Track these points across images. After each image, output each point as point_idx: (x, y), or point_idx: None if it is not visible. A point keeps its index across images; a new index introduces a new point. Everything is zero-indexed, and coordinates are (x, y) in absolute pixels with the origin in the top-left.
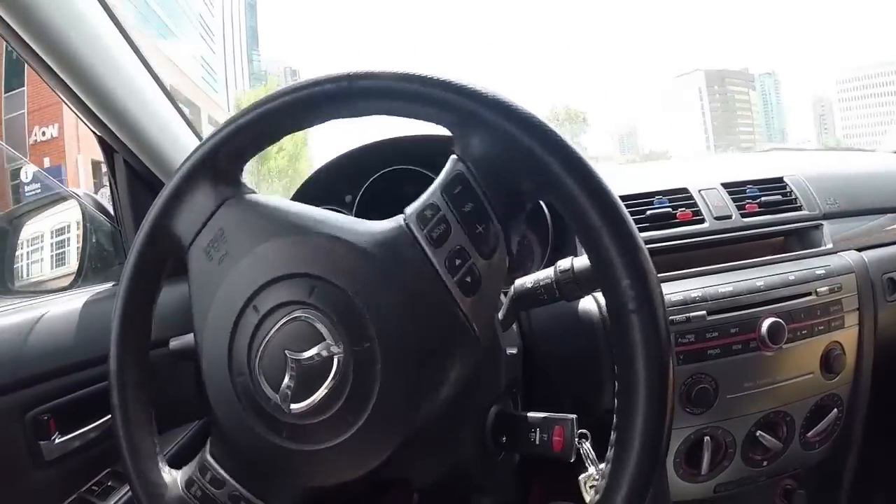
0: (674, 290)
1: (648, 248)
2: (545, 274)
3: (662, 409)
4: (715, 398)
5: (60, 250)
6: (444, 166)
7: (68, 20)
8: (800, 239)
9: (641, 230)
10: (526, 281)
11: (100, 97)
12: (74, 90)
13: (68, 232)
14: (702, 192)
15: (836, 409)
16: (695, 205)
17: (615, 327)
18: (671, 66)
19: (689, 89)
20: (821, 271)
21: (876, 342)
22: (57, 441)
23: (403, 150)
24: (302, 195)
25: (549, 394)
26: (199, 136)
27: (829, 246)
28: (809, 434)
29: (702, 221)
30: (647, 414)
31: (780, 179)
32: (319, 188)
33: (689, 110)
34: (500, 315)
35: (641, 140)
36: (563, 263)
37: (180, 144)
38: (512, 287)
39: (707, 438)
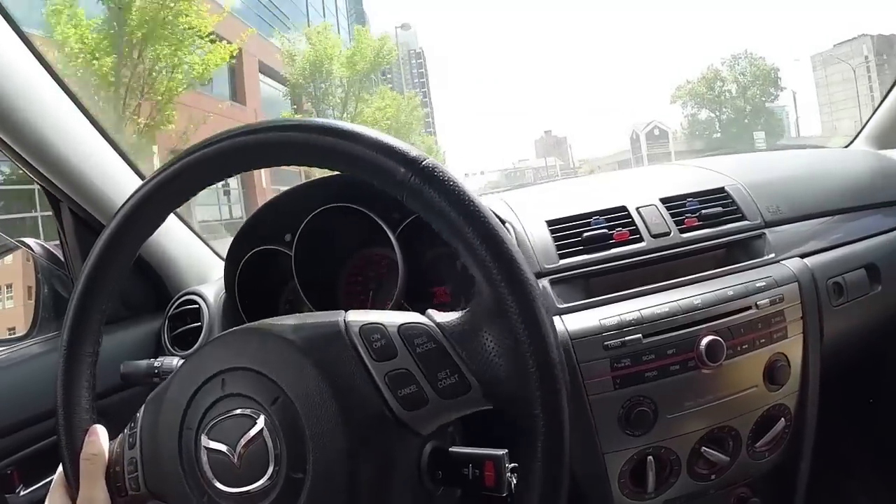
0: (609, 315)
1: (586, 272)
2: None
3: (555, 382)
4: (655, 419)
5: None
6: (382, 204)
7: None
8: (742, 250)
9: (578, 254)
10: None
11: (35, 149)
12: (9, 144)
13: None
14: (640, 209)
15: (783, 419)
16: (632, 223)
17: (516, 365)
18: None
19: (851, 59)
20: (761, 283)
21: (823, 349)
22: (22, 493)
23: (343, 187)
24: (243, 236)
25: (485, 426)
26: (142, 176)
27: (772, 255)
28: (758, 445)
29: (640, 240)
30: (542, 390)
31: (722, 189)
32: (260, 228)
33: (851, 84)
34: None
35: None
36: None
37: (122, 188)
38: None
39: (650, 458)
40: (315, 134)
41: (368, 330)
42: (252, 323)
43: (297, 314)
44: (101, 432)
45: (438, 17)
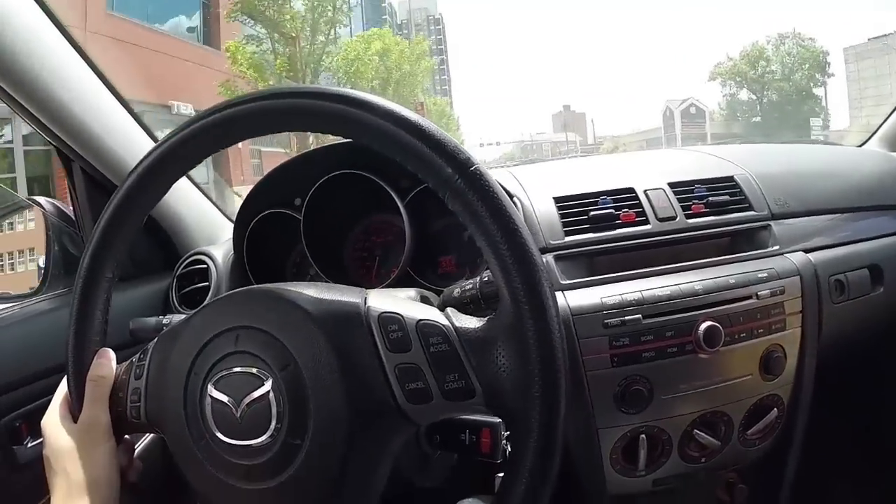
0: (611, 294)
1: (590, 250)
2: (471, 283)
3: (555, 412)
4: (650, 399)
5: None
6: (392, 172)
7: (14, 35)
8: (747, 240)
9: (583, 231)
10: (454, 290)
11: (50, 110)
12: (24, 104)
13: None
14: (647, 192)
15: (775, 409)
16: (639, 205)
17: (522, 386)
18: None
19: (886, 55)
20: (763, 274)
21: (820, 343)
22: (30, 445)
23: (354, 154)
24: (253, 199)
25: None
26: (154, 138)
27: (776, 247)
28: (749, 432)
29: (645, 223)
30: (541, 415)
31: (731, 178)
32: (270, 192)
33: (885, 80)
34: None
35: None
36: (488, 274)
37: (135, 149)
38: (441, 296)
39: (643, 436)
40: (371, 114)
41: (387, 319)
42: (272, 285)
43: (319, 284)
44: (110, 355)
45: None
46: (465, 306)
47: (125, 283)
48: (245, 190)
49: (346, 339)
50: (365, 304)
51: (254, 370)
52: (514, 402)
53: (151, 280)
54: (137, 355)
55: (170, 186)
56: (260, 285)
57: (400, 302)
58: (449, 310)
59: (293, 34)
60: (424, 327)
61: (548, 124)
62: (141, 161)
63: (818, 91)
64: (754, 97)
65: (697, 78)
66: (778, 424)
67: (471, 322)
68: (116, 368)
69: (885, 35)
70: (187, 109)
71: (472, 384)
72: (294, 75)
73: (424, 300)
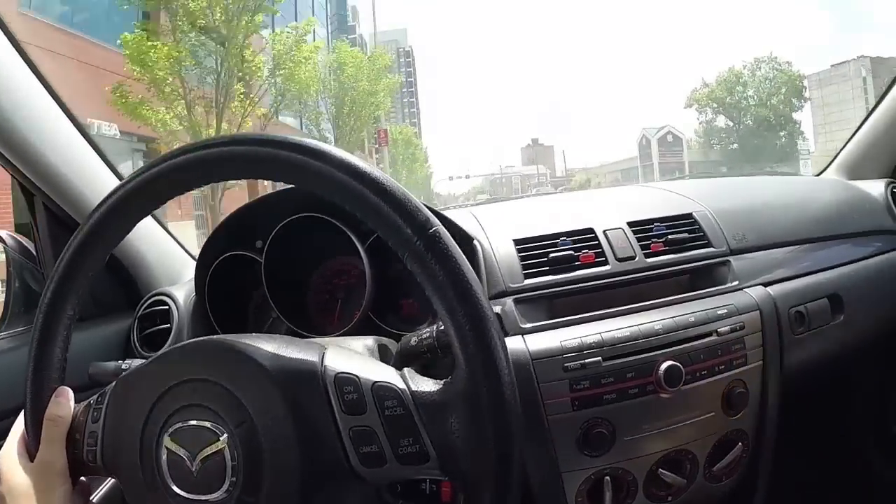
0: (571, 336)
1: (550, 292)
2: (428, 332)
3: (510, 479)
4: (613, 441)
5: None
6: (354, 216)
7: None
8: (706, 276)
9: (543, 274)
10: (411, 339)
11: (12, 143)
12: None
13: None
14: (607, 232)
15: (740, 444)
16: (599, 246)
17: (477, 456)
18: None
19: (849, 80)
20: (722, 311)
21: (783, 375)
22: None
23: (316, 197)
24: (214, 239)
25: None
26: (118, 175)
27: (735, 283)
28: (715, 469)
29: (604, 263)
30: (496, 482)
31: (689, 215)
32: (231, 233)
33: (848, 104)
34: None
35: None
36: None
37: (98, 186)
38: (399, 344)
39: (607, 478)
40: (331, 167)
41: (343, 380)
42: (232, 337)
43: (277, 337)
44: (68, 395)
45: (430, 17)
46: (421, 355)
47: (86, 322)
48: (182, 226)
49: (302, 399)
50: (322, 362)
51: (209, 424)
52: (468, 469)
53: (113, 319)
54: (95, 397)
55: (132, 226)
56: (219, 336)
57: (357, 360)
58: (406, 370)
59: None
60: (380, 390)
61: (517, 157)
62: (104, 199)
63: (797, 115)
64: (731, 123)
65: (673, 105)
66: (744, 459)
67: (426, 385)
68: (74, 408)
69: (847, 61)
70: (111, 130)
71: (427, 449)
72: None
73: (382, 349)
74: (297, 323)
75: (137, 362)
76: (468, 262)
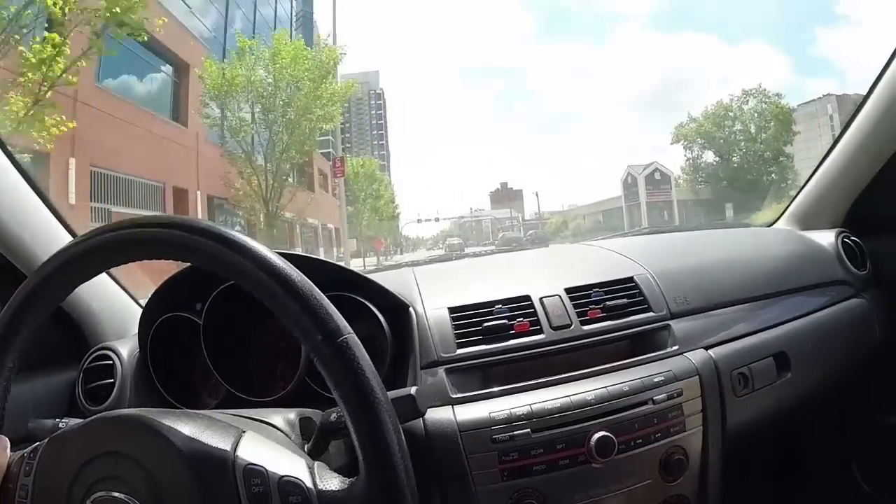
0: (499, 408)
1: (484, 362)
2: None
3: None
4: None
5: None
6: None
7: None
8: (646, 342)
9: (476, 343)
10: (331, 414)
11: None
12: None
13: None
14: (543, 299)
15: None
16: (534, 314)
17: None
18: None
19: (817, 118)
20: (659, 378)
21: (726, 438)
22: None
23: None
24: (157, 299)
25: None
26: (71, 232)
27: (675, 347)
28: None
29: (539, 332)
30: None
31: (631, 279)
32: (172, 295)
33: (815, 142)
34: (309, 447)
35: None
36: None
37: (46, 243)
38: (319, 419)
39: None
40: (250, 262)
41: (251, 472)
42: (154, 413)
43: (198, 418)
44: (4, 443)
45: (403, 61)
46: (340, 431)
47: (33, 372)
48: None
49: (212, 485)
50: (235, 451)
51: (127, 498)
52: None
53: (60, 370)
54: (29, 451)
55: (77, 286)
56: (142, 412)
57: (270, 450)
58: (317, 465)
59: None
60: (286, 485)
61: (486, 201)
62: (51, 258)
63: (788, 149)
64: (720, 159)
65: (656, 143)
66: None
67: (332, 483)
68: (10, 457)
69: (814, 100)
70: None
71: None
72: None
73: (305, 422)
74: (237, 386)
75: (75, 421)
76: (375, 373)
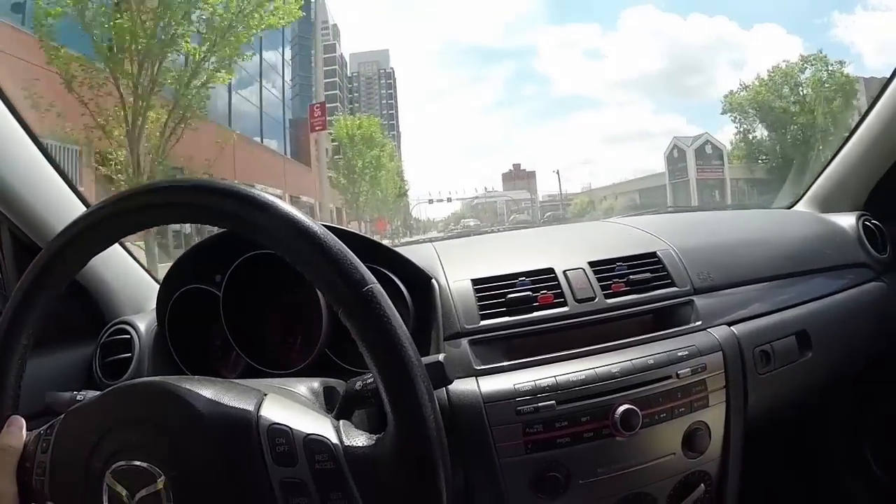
0: (525, 380)
1: (508, 333)
2: (372, 377)
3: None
4: (567, 484)
5: None
6: None
7: None
8: (669, 316)
9: (500, 315)
10: (356, 382)
11: None
12: None
13: None
14: (567, 272)
15: (703, 485)
16: (558, 286)
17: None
18: None
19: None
20: (683, 353)
21: (747, 416)
22: None
23: None
24: (175, 272)
25: None
26: (85, 203)
27: (699, 323)
28: None
29: (563, 304)
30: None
31: (654, 254)
32: (190, 267)
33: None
34: (335, 413)
35: None
36: None
37: (62, 215)
38: (344, 387)
39: None
40: (271, 219)
41: (276, 431)
42: (173, 380)
43: (218, 382)
44: (19, 423)
45: (414, 40)
46: (365, 399)
47: (50, 348)
48: None
49: (235, 447)
50: (258, 411)
51: (147, 466)
52: None
53: (77, 345)
54: (45, 428)
55: (92, 256)
56: (161, 379)
57: (293, 410)
58: (342, 423)
59: None
60: (311, 443)
61: (499, 182)
62: (64, 230)
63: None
64: (775, 134)
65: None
66: (707, 499)
67: (359, 440)
68: (27, 436)
69: None
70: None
71: (357, 502)
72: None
73: (328, 391)
74: (257, 358)
75: (93, 394)
76: (401, 322)
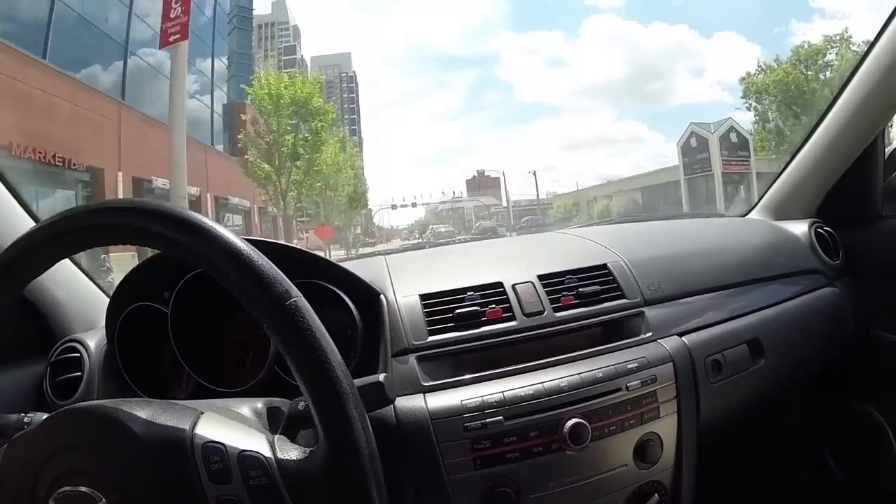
0: (472, 396)
1: (456, 349)
2: None
3: None
4: (517, 499)
5: None
6: None
7: None
8: (619, 328)
9: (448, 330)
10: (298, 403)
11: None
12: None
13: None
14: (516, 286)
15: (656, 495)
16: (507, 301)
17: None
18: None
19: None
20: (633, 364)
21: (699, 425)
22: None
23: None
24: (123, 289)
25: None
26: (35, 219)
27: (649, 334)
28: None
29: (512, 319)
30: None
31: (604, 266)
32: (139, 284)
33: None
34: (278, 433)
35: None
36: None
37: (8, 229)
38: (287, 407)
39: None
40: (188, 235)
41: (209, 450)
42: (111, 403)
43: (155, 403)
44: None
45: (376, 44)
46: (309, 419)
47: (0, 366)
48: None
49: (171, 467)
50: (193, 430)
51: (90, 491)
52: None
53: (28, 364)
54: None
55: (37, 275)
56: (99, 403)
57: (228, 428)
58: (277, 438)
59: None
60: (245, 459)
61: (464, 189)
62: (10, 245)
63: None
64: (804, 119)
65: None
66: None
67: (292, 454)
68: None
69: None
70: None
71: None
72: None
73: (273, 412)
74: (207, 377)
75: (39, 416)
76: (326, 335)
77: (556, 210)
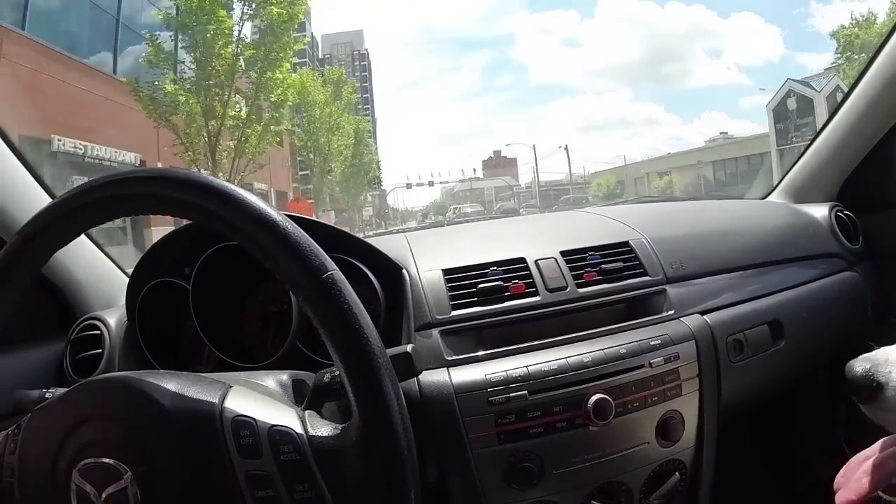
0: (496, 370)
1: (479, 324)
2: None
3: None
4: (541, 474)
5: None
6: None
7: None
8: (641, 305)
9: (471, 305)
10: (325, 375)
11: None
12: None
13: None
14: (538, 261)
15: (677, 473)
16: (529, 276)
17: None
18: None
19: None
20: (656, 342)
21: (720, 404)
22: None
23: None
24: (144, 265)
25: None
26: (51, 194)
27: (671, 312)
28: (651, 498)
29: (535, 294)
30: None
31: (626, 244)
32: (160, 259)
33: None
34: (304, 405)
35: None
36: None
37: (28, 207)
38: (313, 380)
39: None
40: (224, 206)
41: (240, 423)
42: (137, 374)
43: (183, 375)
44: None
45: (390, 20)
46: (335, 391)
47: (21, 345)
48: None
49: (200, 441)
50: (221, 404)
51: (113, 462)
52: None
53: (48, 342)
54: (13, 429)
55: (59, 248)
56: (125, 374)
57: (258, 402)
58: (307, 413)
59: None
60: (276, 434)
61: (480, 169)
62: (27, 223)
63: None
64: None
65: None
66: (681, 488)
67: (324, 430)
68: None
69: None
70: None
71: (323, 494)
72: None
73: (298, 384)
74: (229, 352)
75: (61, 391)
76: (363, 309)
77: (596, 188)
